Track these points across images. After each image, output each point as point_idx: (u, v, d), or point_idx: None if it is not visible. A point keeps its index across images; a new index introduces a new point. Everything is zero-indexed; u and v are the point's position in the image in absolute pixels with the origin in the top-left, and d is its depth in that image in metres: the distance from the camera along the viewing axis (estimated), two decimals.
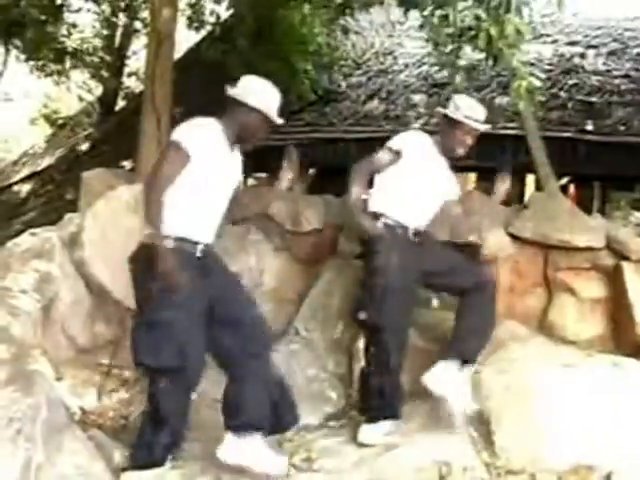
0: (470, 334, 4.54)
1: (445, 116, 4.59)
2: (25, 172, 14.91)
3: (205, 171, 3.77)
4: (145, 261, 3.75)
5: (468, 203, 5.49)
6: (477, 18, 4.80)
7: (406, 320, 4.52)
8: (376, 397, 4.41)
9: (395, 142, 4.58)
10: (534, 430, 4.42)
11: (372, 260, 4.46)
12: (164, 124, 6.24)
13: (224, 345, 3.88)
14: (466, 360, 4.52)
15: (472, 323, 4.53)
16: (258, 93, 3.87)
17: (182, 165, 3.71)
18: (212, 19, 9.91)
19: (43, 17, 10.25)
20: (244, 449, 3.79)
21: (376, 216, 4.48)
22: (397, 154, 4.51)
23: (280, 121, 3.94)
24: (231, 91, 3.90)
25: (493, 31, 4.77)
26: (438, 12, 4.95)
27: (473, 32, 4.95)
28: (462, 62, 5.76)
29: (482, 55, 5.65)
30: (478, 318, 4.54)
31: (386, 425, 4.40)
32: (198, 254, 3.83)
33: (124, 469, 3.76)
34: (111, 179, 5.60)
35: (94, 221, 5.04)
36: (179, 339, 3.66)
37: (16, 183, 14.55)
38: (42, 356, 4.05)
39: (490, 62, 5.54)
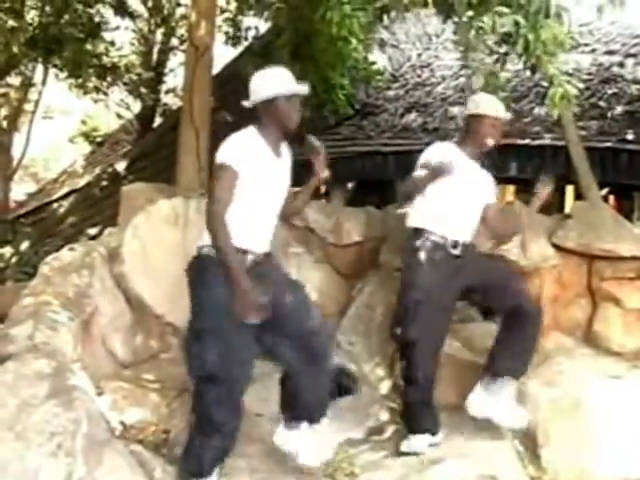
0: (508, 357, 4.46)
1: (469, 116, 4.57)
2: (64, 190, 15.03)
3: (254, 182, 3.74)
4: (199, 270, 3.78)
5: (509, 213, 5.39)
6: (516, 24, 4.73)
7: (439, 336, 4.46)
8: (407, 411, 4.45)
9: (427, 155, 4.48)
10: (582, 444, 4.36)
11: (407, 274, 4.46)
12: (202, 138, 6.26)
13: (283, 355, 3.90)
14: (506, 375, 4.46)
15: (510, 349, 4.45)
16: (267, 83, 3.84)
17: (234, 182, 3.68)
18: (250, 33, 9.96)
19: (82, 35, 10.37)
20: (294, 439, 4.01)
21: (416, 232, 4.44)
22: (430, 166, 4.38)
23: (304, 88, 3.90)
24: (247, 103, 3.91)
25: (531, 37, 4.71)
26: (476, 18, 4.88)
27: (512, 39, 4.87)
28: (488, 66, 5.63)
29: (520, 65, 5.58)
30: (517, 343, 4.45)
31: (423, 439, 4.36)
32: (248, 264, 3.75)
33: None
34: (151, 193, 5.62)
35: (134, 235, 5.05)
36: (224, 348, 3.63)
37: (56, 201, 14.68)
38: (82, 371, 4.03)
39: (528, 71, 5.46)
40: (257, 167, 3.74)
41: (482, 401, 4.45)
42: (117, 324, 4.88)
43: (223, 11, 10.91)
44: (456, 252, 4.41)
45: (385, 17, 6.06)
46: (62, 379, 3.73)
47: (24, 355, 3.85)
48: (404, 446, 4.37)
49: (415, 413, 4.39)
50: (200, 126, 6.23)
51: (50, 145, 23.07)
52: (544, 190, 4.76)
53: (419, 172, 4.36)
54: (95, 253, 4.96)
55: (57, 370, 3.76)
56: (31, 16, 10.80)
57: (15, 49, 10.48)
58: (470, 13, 4.94)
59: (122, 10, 11.35)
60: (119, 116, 15.44)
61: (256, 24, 9.81)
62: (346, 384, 4.75)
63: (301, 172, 4.15)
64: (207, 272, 3.70)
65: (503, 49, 5.49)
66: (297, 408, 4.01)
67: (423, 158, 4.46)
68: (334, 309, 5.54)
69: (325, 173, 4.11)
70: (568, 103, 5.41)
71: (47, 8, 10.30)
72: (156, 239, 5.11)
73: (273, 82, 3.84)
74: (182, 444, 3.91)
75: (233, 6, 9.75)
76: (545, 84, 10.26)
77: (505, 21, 4.66)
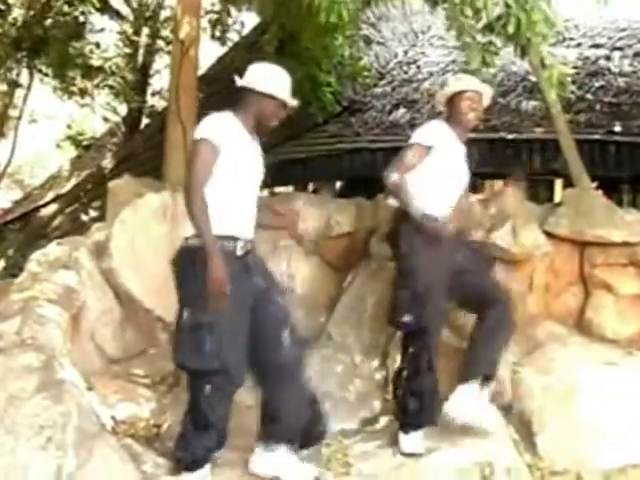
0: (484, 355, 4.41)
1: (450, 97, 4.51)
2: (51, 195, 14.96)
3: (235, 162, 3.71)
4: (186, 262, 3.70)
5: (501, 200, 5.37)
6: (507, 5, 4.72)
7: (444, 320, 4.44)
8: (415, 401, 4.28)
9: (421, 137, 4.43)
10: (578, 430, 4.35)
11: (409, 259, 4.33)
12: (189, 134, 6.16)
13: (260, 359, 3.82)
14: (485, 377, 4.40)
15: (485, 344, 4.39)
16: (267, 79, 3.84)
17: (214, 156, 3.65)
18: (236, 27, 9.94)
19: (66, 35, 10.30)
20: (272, 460, 3.84)
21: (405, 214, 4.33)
22: (428, 149, 4.36)
23: (294, 102, 3.91)
24: (241, 81, 3.87)
25: (522, 17, 4.69)
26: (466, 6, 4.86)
27: (502, 21, 4.85)
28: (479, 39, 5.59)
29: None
30: (491, 339, 4.40)
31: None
32: (239, 252, 3.72)
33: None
34: (138, 187, 5.54)
35: (122, 229, 5.01)
36: (220, 341, 3.57)
37: (43, 206, 14.60)
38: (72, 365, 3.98)
39: (518, 55, 5.43)
40: (237, 145, 3.72)
41: (462, 404, 4.33)
42: (106, 319, 4.83)
43: (208, 12, 10.92)
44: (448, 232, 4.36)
45: (373, 4, 6.00)
46: (51, 372, 3.68)
47: (12, 350, 3.80)
48: (404, 446, 4.25)
49: (422, 401, 4.26)
50: (187, 122, 6.17)
51: (36, 152, 22.95)
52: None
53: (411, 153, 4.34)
54: (83, 248, 4.91)
55: (46, 363, 3.72)
56: (15, 15, 10.75)
57: None
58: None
59: (106, 10, 11.30)
60: (105, 119, 15.37)
61: (242, 19, 9.74)
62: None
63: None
64: (196, 264, 3.58)
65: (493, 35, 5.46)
66: (273, 428, 3.89)
67: (417, 137, 4.43)
68: (325, 301, 5.50)
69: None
70: (563, 84, 5.38)
71: (31, 8, 10.25)
72: (144, 233, 5.06)
73: (275, 81, 3.85)
74: (174, 438, 3.85)
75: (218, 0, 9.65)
76: (532, 78, 10.37)
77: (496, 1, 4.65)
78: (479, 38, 5.40)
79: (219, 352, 3.57)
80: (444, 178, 4.40)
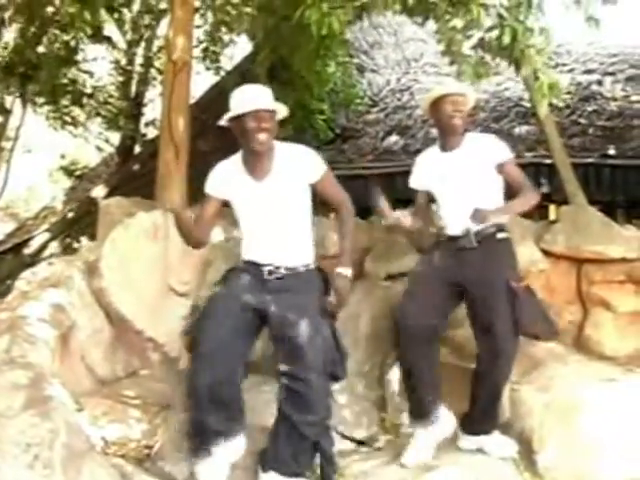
0: (479, 418, 4.38)
1: (430, 108, 4.49)
2: (44, 226, 14.88)
3: (236, 204, 4.04)
4: None
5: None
6: (500, 17, 4.71)
7: (428, 309, 4.32)
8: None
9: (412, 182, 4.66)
10: (578, 448, 4.25)
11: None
12: (182, 154, 6.15)
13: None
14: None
15: (485, 399, 4.34)
16: (232, 104, 3.88)
17: (211, 208, 4.04)
18: (229, 55, 9.99)
19: (58, 60, 10.31)
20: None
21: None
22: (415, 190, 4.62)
23: (262, 105, 3.80)
24: (221, 123, 4.00)
25: (518, 27, 4.67)
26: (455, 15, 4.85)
27: (496, 33, 4.84)
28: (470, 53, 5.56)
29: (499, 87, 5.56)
30: (487, 397, 4.34)
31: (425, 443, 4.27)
32: (266, 276, 3.91)
33: None
34: (130, 207, 5.49)
35: (112, 249, 4.91)
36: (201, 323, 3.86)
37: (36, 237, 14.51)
38: (61, 385, 3.89)
39: (512, 66, 5.41)
40: (233, 192, 3.99)
41: (467, 440, 4.40)
42: (97, 339, 4.73)
43: (201, 42, 10.97)
44: (465, 244, 4.33)
45: (364, 16, 6.03)
46: (39, 390, 3.58)
47: (0, 367, 3.71)
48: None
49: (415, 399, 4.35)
50: (179, 142, 6.13)
51: (31, 184, 22.94)
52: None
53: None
54: (73, 268, 4.82)
55: (33, 381, 3.61)
56: (6, 40, 10.75)
57: None
58: (450, 9, 4.90)
59: (99, 37, 11.32)
60: (99, 149, 15.35)
61: (234, 49, 9.78)
62: None
63: None
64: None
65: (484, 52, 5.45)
66: (267, 452, 3.88)
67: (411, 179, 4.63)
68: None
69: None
70: (557, 92, 5.34)
71: (24, 32, 10.24)
72: (135, 253, 4.98)
73: (239, 99, 3.85)
74: (165, 459, 3.87)
75: (210, 22, 9.68)
76: (525, 104, 10.41)
77: (490, 13, 4.65)
78: (471, 53, 5.38)
79: (199, 331, 3.82)
80: (440, 200, 4.54)
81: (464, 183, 4.38)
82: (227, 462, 3.84)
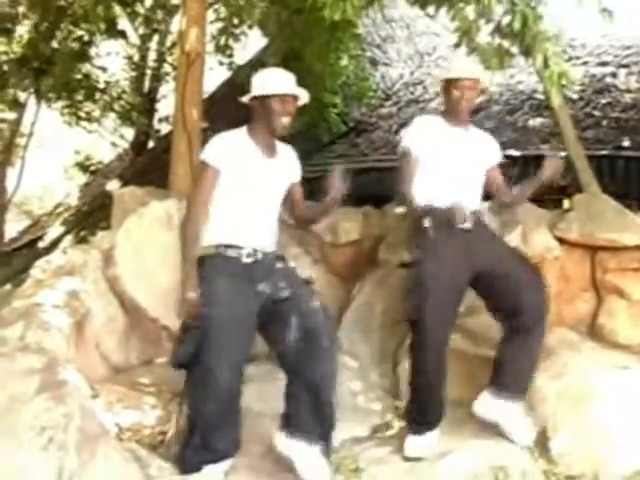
0: (511, 373, 4.31)
1: (443, 84, 4.43)
2: (58, 223, 14.94)
3: (238, 179, 3.85)
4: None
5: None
6: (512, 3, 4.70)
7: (448, 319, 4.25)
8: (414, 400, 4.26)
9: (402, 142, 4.43)
10: (593, 434, 4.23)
11: (420, 251, 4.26)
12: (195, 144, 6.18)
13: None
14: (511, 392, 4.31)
15: (514, 364, 4.29)
16: (260, 82, 3.89)
17: (213, 181, 3.84)
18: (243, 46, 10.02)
19: (71, 54, 10.36)
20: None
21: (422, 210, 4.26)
22: (409, 153, 4.34)
23: (290, 90, 3.87)
24: (243, 98, 3.97)
25: (529, 13, 4.66)
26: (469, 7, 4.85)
27: (508, 18, 4.83)
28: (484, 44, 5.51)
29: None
30: (520, 360, 4.29)
31: (432, 435, 4.22)
32: (244, 259, 3.82)
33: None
34: (143, 196, 5.52)
35: (127, 237, 4.95)
36: (201, 340, 3.67)
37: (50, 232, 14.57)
38: (75, 370, 3.91)
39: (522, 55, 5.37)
40: (240, 165, 3.85)
41: (488, 405, 4.31)
42: (111, 328, 4.77)
43: (214, 37, 10.98)
44: (465, 226, 4.25)
45: (376, 3, 6.01)
46: (53, 374, 3.60)
47: (14, 353, 3.73)
48: (408, 450, 4.17)
49: (426, 403, 4.21)
50: (192, 132, 6.17)
51: (45, 182, 23.02)
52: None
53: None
54: (88, 256, 4.86)
55: (48, 365, 3.64)
56: (20, 33, 10.80)
57: (5, 67, 10.47)
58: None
59: (112, 32, 11.34)
60: (114, 145, 15.40)
61: (247, 44, 9.79)
62: None
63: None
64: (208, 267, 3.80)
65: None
66: (292, 423, 3.88)
67: (403, 144, 4.40)
68: (334, 309, 5.41)
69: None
70: (567, 81, 5.32)
71: (38, 27, 10.30)
72: (149, 241, 5.01)
73: (267, 81, 3.88)
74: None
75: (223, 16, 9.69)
76: (539, 96, 10.37)
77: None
78: (485, 44, 5.37)
79: (199, 350, 3.65)
80: (438, 172, 4.32)
81: (469, 161, 4.38)
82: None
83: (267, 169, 3.93)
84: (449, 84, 4.33)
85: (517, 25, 4.86)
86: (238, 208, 3.87)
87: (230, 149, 3.85)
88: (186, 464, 3.72)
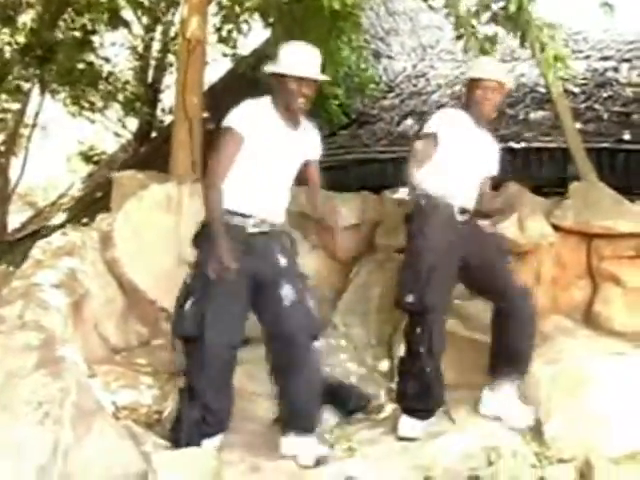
0: (505, 358, 4.34)
1: (468, 81, 4.45)
2: (61, 213, 14.96)
3: (259, 147, 3.77)
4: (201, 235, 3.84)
5: (505, 194, 5.31)
6: None
7: (447, 303, 4.33)
8: (414, 385, 4.23)
9: (430, 125, 4.36)
10: (585, 419, 4.24)
11: (416, 239, 4.26)
12: (196, 131, 6.22)
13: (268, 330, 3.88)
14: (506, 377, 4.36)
15: (509, 345, 4.32)
16: (282, 58, 3.82)
17: (238, 147, 3.75)
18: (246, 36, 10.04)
19: (75, 42, 10.39)
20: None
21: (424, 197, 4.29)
22: (435, 137, 4.26)
23: (314, 75, 3.81)
24: (266, 68, 3.92)
25: None
26: None
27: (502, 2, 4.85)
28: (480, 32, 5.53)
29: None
30: (516, 339, 4.31)
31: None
32: (249, 229, 3.80)
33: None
34: (143, 180, 5.56)
35: (126, 220, 5.00)
36: (202, 310, 3.66)
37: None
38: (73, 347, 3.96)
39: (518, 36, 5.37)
40: (263, 134, 3.76)
41: (489, 401, 4.35)
42: (109, 309, 4.82)
43: (218, 29, 11.00)
44: (462, 218, 4.30)
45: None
46: (50, 351, 3.65)
47: (13, 331, 3.78)
48: (403, 430, 4.20)
49: (423, 383, 4.20)
50: (193, 118, 6.21)
51: (49, 173, 23.05)
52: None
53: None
54: (87, 238, 4.91)
55: (45, 342, 3.70)
56: (23, 20, 10.83)
57: (8, 55, 10.49)
58: None
59: (116, 21, 11.37)
60: (117, 135, 15.41)
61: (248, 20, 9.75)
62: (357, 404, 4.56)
63: None
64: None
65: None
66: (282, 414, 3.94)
67: (430, 127, 4.33)
68: (330, 294, 5.46)
69: None
70: (563, 65, 5.33)
71: (41, 15, 10.33)
72: (148, 224, 5.05)
73: (288, 59, 3.80)
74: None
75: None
76: (540, 89, 10.39)
77: None
78: (481, 29, 5.39)
79: (199, 320, 3.65)
80: (457, 165, 4.30)
81: (479, 162, 4.41)
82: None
83: (288, 140, 3.87)
84: (473, 83, 4.34)
85: (512, 8, 4.87)
86: (254, 176, 3.80)
87: (255, 117, 3.78)
88: (182, 439, 3.71)
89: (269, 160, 3.82)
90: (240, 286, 3.72)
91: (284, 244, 3.96)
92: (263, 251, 3.83)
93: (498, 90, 4.35)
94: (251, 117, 3.77)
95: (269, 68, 3.87)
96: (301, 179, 4.12)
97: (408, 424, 4.20)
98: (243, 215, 3.78)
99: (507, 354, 4.33)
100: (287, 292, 3.81)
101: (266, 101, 3.86)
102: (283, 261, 3.89)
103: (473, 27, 5.36)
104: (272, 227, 3.88)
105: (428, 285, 4.10)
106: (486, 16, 5.32)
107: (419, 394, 4.21)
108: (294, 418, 3.86)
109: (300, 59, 3.79)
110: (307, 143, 4.01)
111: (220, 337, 3.67)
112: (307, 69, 3.78)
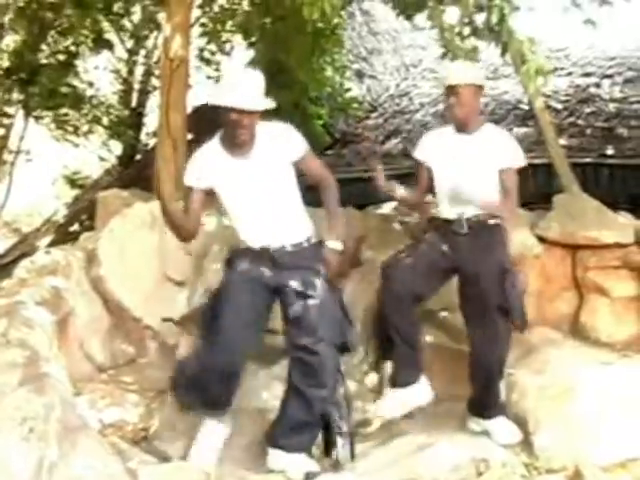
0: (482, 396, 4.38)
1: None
2: (47, 239, 14.91)
3: (220, 189, 3.88)
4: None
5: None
6: None
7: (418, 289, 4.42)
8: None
9: (415, 154, 4.59)
10: (574, 429, 4.25)
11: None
12: (180, 149, 6.22)
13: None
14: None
15: (481, 383, 4.35)
16: (223, 88, 3.72)
17: (199, 201, 3.88)
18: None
19: (57, 64, 10.38)
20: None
21: None
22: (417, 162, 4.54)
23: (241, 104, 3.56)
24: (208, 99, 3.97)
25: (505, 6, 4.73)
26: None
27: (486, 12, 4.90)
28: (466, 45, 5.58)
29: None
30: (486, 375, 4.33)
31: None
32: (272, 253, 3.89)
33: None
34: (127, 198, 5.56)
35: (110, 238, 4.97)
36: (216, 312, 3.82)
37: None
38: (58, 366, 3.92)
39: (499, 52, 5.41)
40: (214, 177, 3.83)
41: (477, 426, 4.40)
42: (95, 327, 4.77)
43: (202, 50, 11.03)
44: (457, 229, 4.34)
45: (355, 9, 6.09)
46: (35, 367, 3.60)
47: None
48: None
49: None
50: (177, 137, 6.21)
51: (33, 200, 22.96)
52: None
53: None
54: (72, 256, 4.86)
55: (30, 359, 3.64)
56: (6, 42, 10.81)
57: None
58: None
59: (100, 43, 11.38)
60: (101, 159, 15.35)
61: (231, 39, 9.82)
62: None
63: None
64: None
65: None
66: (275, 427, 3.93)
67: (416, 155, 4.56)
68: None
69: None
70: (543, 77, 5.37)
71: (24, 36, 10.32)
72: (133, 242, 5.02)
73: (227, 88, 3.64)
74: (161, 440, 3.97)
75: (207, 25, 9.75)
76: (523, 106, 10.47)
77: None
78: (463, 43, 5.43)
79: (213, 319, 3.81)
80: (438, 178, 4.46)
81: (469, 169, 4.30)
82: (217, 444, 3.93)
83: (242, 172, 3.81)
84: (447, 91, 4.32)
85: (494, 19, 4.91)
86: (236, 214, 3.94)
87: (203, 166, 3.83)
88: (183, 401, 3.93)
89: (233, 197, 3.90)
90: (262, 295, 3.89)
91: (309, 259, 3.95)
92: (287, 268, 3.88)
93: (470, 92, 4.26)
94: (199, 168, 3.86)
95: (209, 99, 3.78)
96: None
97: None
98: (249, 249, 3.93)
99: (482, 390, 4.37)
100: (312, 304, 3.83)
101: (215, 140, 3.87)
102: (307, 275, 3.89)
103: (457, 38, 5.40)
104: (294, 247, 3.93)
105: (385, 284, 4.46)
106: (468, 29, 5.37)
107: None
108: (289, 434, 3.85)
109: (235, 88, 3.59)
110: (265, 160, 3.83)
111: (230, 339, 3.77)
112: (238, 100, 3.56)
